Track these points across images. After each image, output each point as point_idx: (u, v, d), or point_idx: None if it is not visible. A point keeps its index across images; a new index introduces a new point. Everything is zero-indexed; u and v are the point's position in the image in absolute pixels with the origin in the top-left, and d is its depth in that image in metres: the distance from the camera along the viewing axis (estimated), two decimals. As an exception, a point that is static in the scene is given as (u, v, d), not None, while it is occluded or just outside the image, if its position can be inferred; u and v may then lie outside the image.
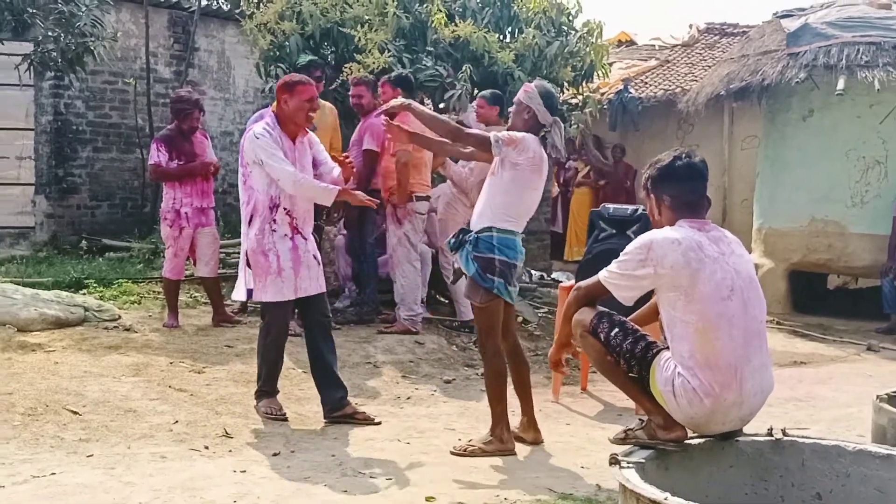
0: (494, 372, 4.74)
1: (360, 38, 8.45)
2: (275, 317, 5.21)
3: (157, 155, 6.98)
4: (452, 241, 4.78)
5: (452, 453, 4.66)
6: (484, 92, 7.47)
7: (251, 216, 5.07)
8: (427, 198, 7.38)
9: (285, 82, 5.17)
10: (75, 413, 4.88)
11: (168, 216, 7.02)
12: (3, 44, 7.72)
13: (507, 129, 4.72)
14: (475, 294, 4.68)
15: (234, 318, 7.19)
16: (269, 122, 5.09)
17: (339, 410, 5.16)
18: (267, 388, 5.24)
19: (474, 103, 7.83)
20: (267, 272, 5.05)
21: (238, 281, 5.28)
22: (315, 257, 5.22)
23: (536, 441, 4.89)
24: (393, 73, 7.50)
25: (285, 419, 5.08)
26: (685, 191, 3.47)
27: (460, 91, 8.17)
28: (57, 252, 10.35)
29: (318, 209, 7.10)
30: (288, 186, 4.96)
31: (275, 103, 5.17)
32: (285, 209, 5.06)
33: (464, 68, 8.47)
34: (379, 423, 5.17)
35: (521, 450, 4.73)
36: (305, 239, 5.17)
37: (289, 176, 4.95)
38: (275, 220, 5.05)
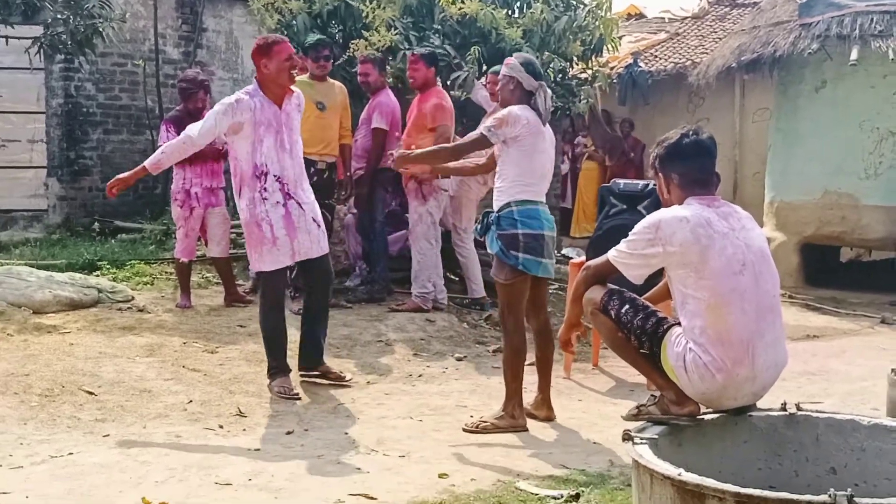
0: (513, 348, 4.76)
1: (367, 14, 8.41)
2: (269, 285, 5.23)
3: (166, 136, 6.97)
4: (478, 227, 4.84)
5: (465, 430, 4.68)
6: (495, 67, 7.42)
7: (240, 187, 5.05)
8: (448, 176, 7.37)
9: (260, 45, 5.12)
10: (91, 393, 4.92)
11: (178, 197, 7.03)
12: (13, 27, 7.71)
13: (499, 106, 4.77)
14: (500, 271, 4.70)
15: (246, 298, 7.20)
16: (251, 89, 5.07)
17: (312, 369, 5.39)
18: (277, 364, 5.24)
19: (483, 80, 7.79)
20: (261, 242, 5.05)
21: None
22: (315, 220, 5.20)
23: (549, 418, 4.90)
24: (425, 50, 7.46)
25: (298, 398, 5.11)
26: (694, 168, 3.46)
27: (467, 73, 8.12)
28: (70, 234, 10.41)
29: (330, 188, 7.13)
30: (184, 134, 5.11)
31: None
32: (275, 176, 5.03)
33: (472, 50, 8.41)
34: (349, 383, 5.42)
35: (534, 426, 4.75)
36: (301, 203, 5.14)
37: (187, 135, 5.07)
38: (265, 189, 5.02)
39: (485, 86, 7.57)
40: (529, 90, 4.72)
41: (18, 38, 8.48)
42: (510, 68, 4.76)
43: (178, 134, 6.90)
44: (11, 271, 7.05)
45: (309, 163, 6.95)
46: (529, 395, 4.95)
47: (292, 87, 5.19)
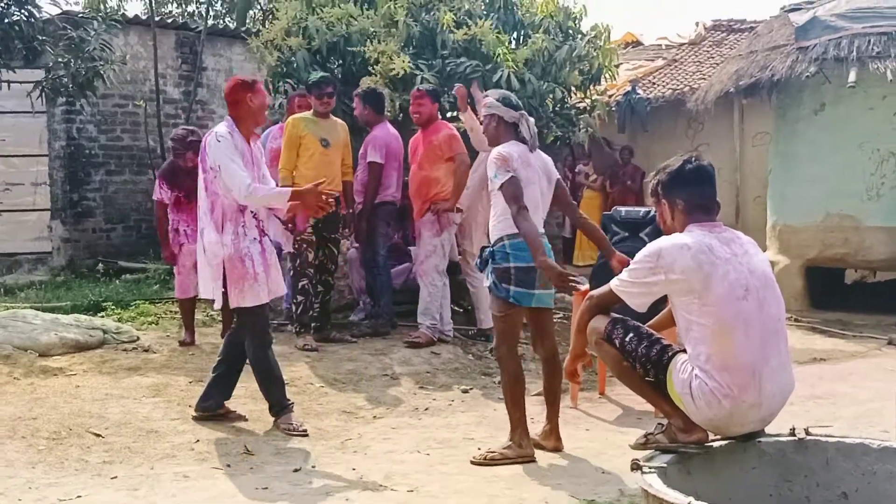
0: (510, 376, 4.78)
1: (370, 52, 8.45)
2: (256, 322, 5.18)
3: (159, 192, 7.18)
4: (478, 262, 4.93)
5: (473, 462, 4.66)
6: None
7: (222, 222, 5.00)
8: (460, 210, 7.41)
9: (245, 81, 5.17)
10: (98, 436, 4.91)
11: (168, 236, 7.11)
12: (14, 72, 7.79)
13: (491, 144, 4.86)
14: (494, 304, 4.79)
15: None
16: (228, 126, 5.07)
17: (215, 409, 5.34)
18: (277, 400, 5.22)
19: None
20: (244, 278, 5.03)
21: (204, 282, 5.15)
22: (275, 257, 5.28)
23: (556, 449, 4.88)
24: (430, 86, 7.52)
25: (306, 434, 5.09)
26: (696, 194, 3.48)
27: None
28: (74, 276, 10.44)
29: (334, 223, 7.14)
30: (241, 196, 4.90)
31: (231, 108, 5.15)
32: (252, 212, 5.08)
33: (479, 73, 8.44)
34: (247, 420, 5.34)
35: (542, 456, 4.73)
36: (271, 241, 5.25)
37: (244, 186, 4.88)
38: (245, 224, 5.05)
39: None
40: (512, 122, 4.82)
41: (20, 82, 8.56)
42: (489, 107, 4.87)
43: (171, 189, 7.05)
44: (17, 315, 7.07)
45: None
46: (538, 425, 4.93)
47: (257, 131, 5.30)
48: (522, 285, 4.65)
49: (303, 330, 7.11)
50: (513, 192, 4.61)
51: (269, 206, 5.16)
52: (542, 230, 4.74)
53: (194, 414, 5.32)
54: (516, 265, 4.65)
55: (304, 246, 7.07)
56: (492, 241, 4.78)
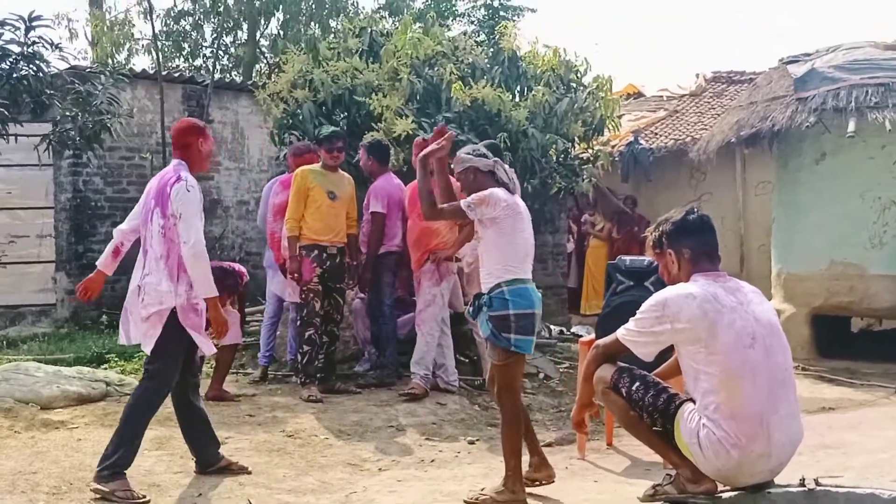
0: (511, 426, 4.75)
1: (374, 105, 8.55)
2: (168, 370, 4.93)
3: None
4: (470, 309, 4.87)
5: (466, 502, 4.66)
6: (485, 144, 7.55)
7: (177, 272, 4.86)
8: (458, 259, 7.43)
9: (195, 125, 5.14)
10: (99, 491, 4.85)
11: None
12: (22, 125, 7.87)
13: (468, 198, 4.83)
14: (494, 353, 4.73)
15: (229, 396, 7.01)
16: (184, 170, 4.97)
17: (215, 465, 5.21)
18: (122, 460, 4.76)
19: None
20: (198, 327, 4.94)
21: (135, 330, 4.96)
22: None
23: (550, 478, 4.91)
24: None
25: (147, 501, 4.72)
26: (700, 243, 3.51)
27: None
28: (78, 328, 10.42)
29: (340, 273, 7.13)
30: (189, 253, 4.80)
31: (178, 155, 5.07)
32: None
33: (497, 136, 8.50)
34: (250, 472, 5.21)
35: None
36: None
37: (200, 247, 4.82)
38: None
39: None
40: (488, 170, 4.87)
41: (28, 135, 8.64)
42: (463, 162, 4.91)
43: None
44: (19, 367, 7.04)
45: (321, 249, 7.01)
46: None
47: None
48: (523, 332, 4.64)
49: (308, 381, 7.06)
50: (445, 207, 4.80)
51: (196, 279, 4.86)
52: (530, 277, 4.77)
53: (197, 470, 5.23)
54: (516, 312, 4.62)
55: (311, 296, 7.07)
56: (486, 289, 4.73)
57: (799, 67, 10.15)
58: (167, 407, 6.57)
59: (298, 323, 7.13)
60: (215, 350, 5.17)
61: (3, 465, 5.16)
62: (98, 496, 4.66)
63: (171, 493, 4.89)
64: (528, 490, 4.74)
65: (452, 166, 5.07)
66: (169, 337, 4.86)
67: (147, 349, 4.91)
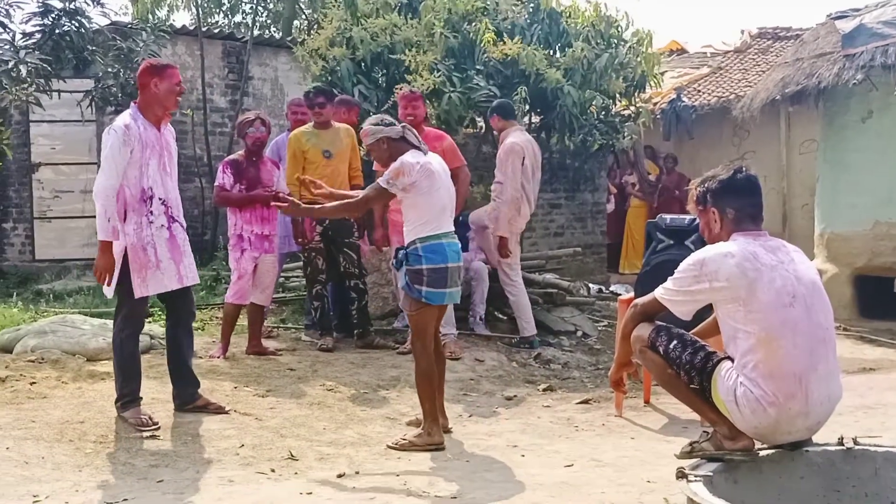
0: (423, 372, 5.04)
1: (409, 61, 8.52)
2: (134, 310, 5.18)
3: (222, 177, 6.97)
4: (393, 261, 5.23)
5: (389, 447, 5.00)
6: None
7: (125, 212, 5.01)
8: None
9: (153, 65, 5.20)
10: (145, 439, 4.97)
11: (232, 241, 7.05)
12: (65, 81, 7.96)
13: (386, 164, 5.09)
14: (406, 303, 5.06)
15: (269, 351, 7.10)
16: (132, 113, 5.07)
17: (190, 403, 5.38)
18: (130, 393, 5.19)
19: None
20: (146, 266, 5.05)
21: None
22: (188, 245, 5.30)
23: (444, 426, 5.21)
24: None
25: (158, 426, 5.09)
26: (747, 204, 3.48)
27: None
28: (121, 282, 10.58)
29: (346, 229, 7.17)
30: (95, 193, 4.94)
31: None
32: (160, 199, 5.10)
33: (518, 90, 8.49)
34: (228, 412, 5.41)
35: (587, 465, 4.69)
36: (182, 226, 5.27)
37: (99, 188, 4.92)
38: (151, 212, 5.07)
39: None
40: (398, 137, 5.06)
41: (71, 91, 8.73)
42: (371, 135, 5.09)
43: (235, 175, 6.98)
44: (66, 320, 7.19)
45: None
46: (583, 432, 4.89)
47: (169, 115, 5.29)
48: (435, 285, 4.93)
49: (324, 332, 7.31)
50: (366, 197, 5.14)
51: (98, 221, 4.97)
52: (447, 230, 5.01)
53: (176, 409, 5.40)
54: (428, 266, 4.90)
55: (313, 254, 7.22)
56: (406, 245, 5.02)
57: (847, 23, 9.91)
58: (209, 360, 6.71)
59: (305, 281, 7.27)
60: (181, 284, 5.26)
61: (51, 414, 5.30)
62: (148, 435, 5.01)
63: (215, 443, 4.99)
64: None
65: (362, 139, 5.29)
66: (126, 275, 5.05)
67: (109, 292, 5.15)
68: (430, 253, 4.92)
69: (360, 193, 5.34)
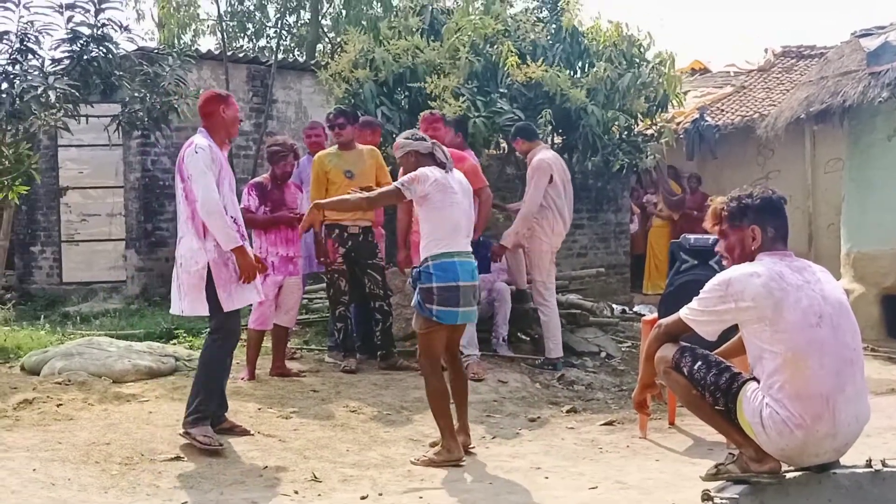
0: (434, 390, 5.09)
1: (430, 87, 8.56)
2: (232, 324, 5.30)
3: (247, 199, 7.00)
4: (410, 281, 5.29)
5: (412, 462, 5.06)
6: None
7: (203, 229, 5.13)
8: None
9: (218, 94, 5.41)
10: (170, 460, 4.99)
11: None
12: (92, 106, 8.06)
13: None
14: (417, 321, 5.09)
15: (292, 372, 7.09)
16: (206, 136, 5.25)
17: (216, 425, 5.37)
18: (204, 408, 5.22)
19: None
20: (230, 281, 5.16)
21: (179, 298, 5.23)
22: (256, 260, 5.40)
23: (466, 445, 5.24)
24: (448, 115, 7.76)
25: (222, 446, 5.12)
26: (782, 224, 3.48)
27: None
28: (147, 304, 10.67)
29: (370, 250, 7.17)
30: (203, 210, 5.05)
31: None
32: (232, 217, 5.19)
33: (542, 112, 8.51)
34: (252, 434, 5.43)
35: (614, 486, 4.66)
36: (250, 244, 5.44)
37: (211, 203, 5.03)
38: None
39: None
40: (427, 152, 5.15)
41: (98, 116, 8.83)
42: (401, 147, 5.20)
43: (260, 198, 7.02)
44: (93, 342, 7.25)
45: (341, 228, 7.06)
46: (609, 453, 4.87)
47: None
48: (446, 304, 4.96)
49: (347, 354, 7.34)
50: (378, 196, 5.29)
51: (215, 233, 5.11)
52: (460, 250, 5.04)
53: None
54: (439, 285, 4.94)
55: (336, 276, 7.23)
56: (420, 263, 5.08)
57: (872, 41, 9.87)
58: (233, 381, 6.73)
59: (328, 303, 7.29)
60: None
61: (77, 436, 5.33)
62: (172, 457, 4.97)
63: (238, 465, 5.00)
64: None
65: (393, 152, 5.39)
66: (211, 291, 5.15)
67: (203, 311, 5.21)
68: (441, 271, 4.95)
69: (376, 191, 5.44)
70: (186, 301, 5.20)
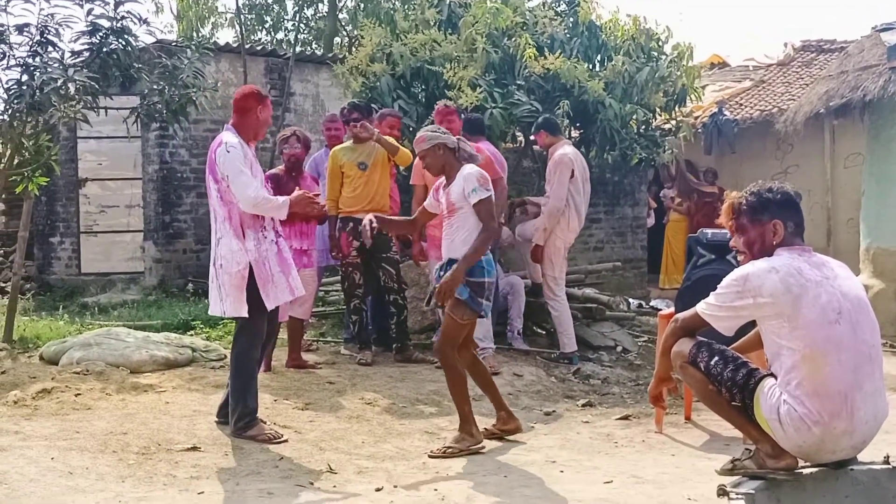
0: (455, 375, 5.18)
1: (448, 76, 8.55)
2: (257, 323, 5.27)
3: None
4: (439, 272, 5.22)
5: (430, 455, 5.05)
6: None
7: (242, 229, 5.12)
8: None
9: (258, 93, 5.34)
10: (187, 451, 5.02)
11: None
12: (111, 99, 8.08)
13: (438, 173, 5.28)
14: (458, 312, 5.09)
15: (308, 364, 7.11)
16: (234, 133, 5.19)
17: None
18: (250, 411, 5.25)
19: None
20: (267, 281, 5.17)
21: (220, 299, 5.22)
22: (290, 257, 5.42)
23: (518, 429, 5.45)
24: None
25: (286, 440, 5.19)
26: (800, 220, 3.47)
27: None
28: (165, 295, 10.73)
29: (383, 242, 7.16)
30: (248, 206, 5.06)
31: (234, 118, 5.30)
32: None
33: (560, 104, 8.49)
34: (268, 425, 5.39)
35: (629, 481, 4.65)
36: (285, 241, 5.42)
37: (252, 197, 5.04)
38: (264, 227, 5.20)
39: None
40: (453, 147, 5.20)
41: (117, 108, 8.87)
42: (430, 139, 5.20)
43: (275, 189, 7.00)
44: (111, 332, 7.30)
45: (355, 221, 7.07)
46: (623, 448, 4.86)
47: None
48: (489, 298, 5.16)
49: (363, 346, 7.34)
50: (492, 210, 5.11)
51: (272, 214, 5.21)
52: None
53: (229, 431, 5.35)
54: (489, 280, 5.10)
55: (351, 269, 7.26)
56: (459, 255, 5.06)
57: (893, 35, 9.80)
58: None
59: (343, 295, 7.32)
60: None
61: (95, 425, 5.37)
62: (189, 447, 5.03)
63: (255, 455, 5.03)
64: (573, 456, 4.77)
65: (415, 146, 5.36)
66: (253, 290, 5.16)
67: (244, 312, 5.18)
68: (490, 266, 5.12)
69: (485, 222, 5.09)
70: (228, 302, 5.19)
